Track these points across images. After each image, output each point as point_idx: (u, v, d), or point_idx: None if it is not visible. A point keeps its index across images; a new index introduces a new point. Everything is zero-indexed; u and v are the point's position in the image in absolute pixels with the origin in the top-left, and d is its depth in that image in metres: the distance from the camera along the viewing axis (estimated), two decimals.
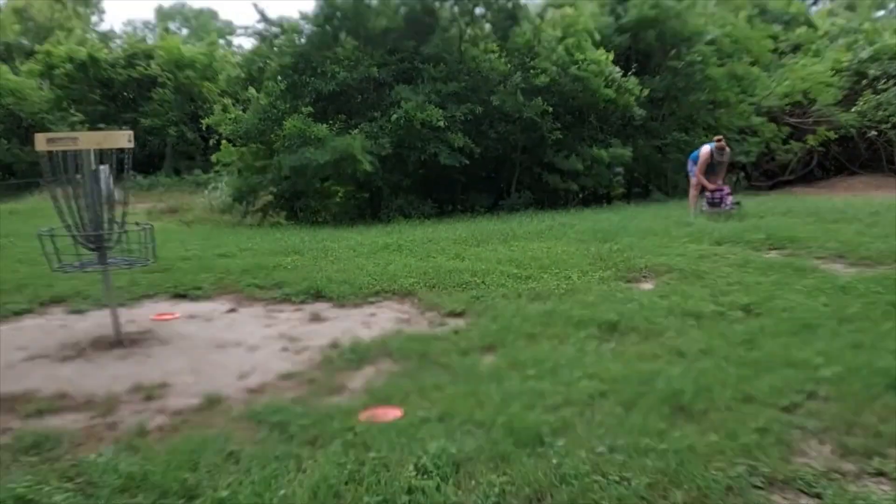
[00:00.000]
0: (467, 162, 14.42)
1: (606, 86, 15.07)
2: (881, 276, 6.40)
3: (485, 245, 9.20)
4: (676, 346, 4.64)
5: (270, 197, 15.71)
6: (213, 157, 16.96)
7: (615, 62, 15.63)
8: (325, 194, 16.16)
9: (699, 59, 16.57)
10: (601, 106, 15.48)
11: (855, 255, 7.47)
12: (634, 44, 17.02)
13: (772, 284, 6.27)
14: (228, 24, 54.47)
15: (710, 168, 11.62)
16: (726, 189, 11.60)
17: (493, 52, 15.77)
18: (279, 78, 14.32)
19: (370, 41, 14.71)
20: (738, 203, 11.42)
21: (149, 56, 25.89)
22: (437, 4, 14.95)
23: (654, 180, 17.63)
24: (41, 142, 4.86)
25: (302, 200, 15.44)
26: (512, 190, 15.87)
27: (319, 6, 14.30)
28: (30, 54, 27.45)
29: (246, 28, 30.17)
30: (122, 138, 5.03)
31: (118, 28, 46.62)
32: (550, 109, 14.56)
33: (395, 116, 13.62)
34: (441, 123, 13.66)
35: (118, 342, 5.38)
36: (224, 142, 16.00)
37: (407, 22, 14.87)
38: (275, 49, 14.66)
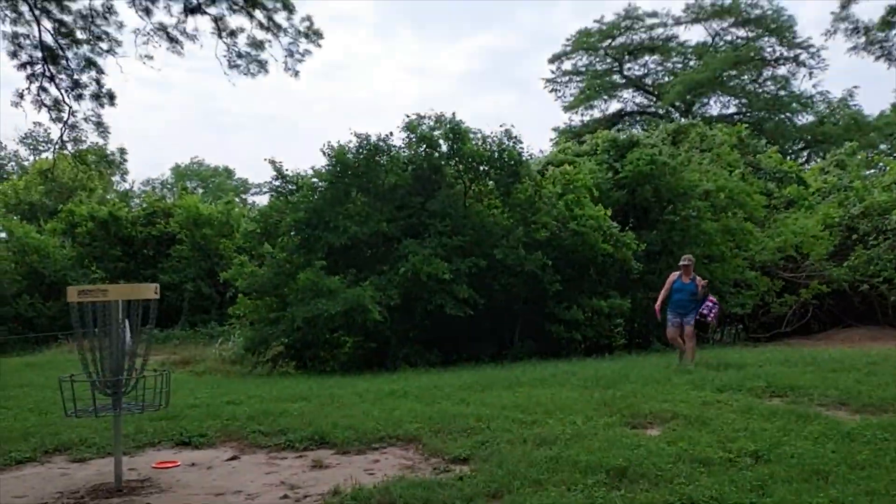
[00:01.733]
0: (472, 313, 14.71)
1: (604, 240, 15.65)
2: (887, 422, 6.38)
3: (489, 391, 9.21)
4: (687, 493, 4.60)
5: (281, 347, 15.92)
6: (230, 310, 17.34)
7: (614, 216, 16.33)
8: (335, 344, 16.37)
9: (694, 213, 17.28)
10: (600, 259, 15.98)
11: (857, 403, 7.48)
12: (632, 199, 17.84)
13: (778, 431, 6.25)
14: (244, 182, 57.27)
15: (678, 303, 10.82)
16: (711, 299, 10.81)
17: (496, 207, 16.57)
18: (293, 233, 15.02)
19: (380, 197, 15.54)
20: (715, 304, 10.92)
21: (168, 214, 27.05)
22: (442, 163, 15.94)
23: (653, 331, 17.78)
24: (72, 294, 5.14)
25: (312, 350, 15.61)
26: (515, 339, 16.04)
27: (332, 164, 15.29)
28: (53, 213, 28.68)
29: (261, 186, 31.73)
30: (149, 290, 5.31)
31: (137, 188, 48.93)
32: (550, 263, 15.06)
33: (402, 269, 14.11)
34: (447, 276, 14.11)
35: (117, 491, 5.35)
36: (240, 295, 16.45)
37: (415, 179, 15.80)
38: (290, 204, 15.48)
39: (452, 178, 16.21)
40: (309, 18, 23.73)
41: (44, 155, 34.68)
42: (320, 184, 15.66)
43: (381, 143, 15.45)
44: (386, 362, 14.96)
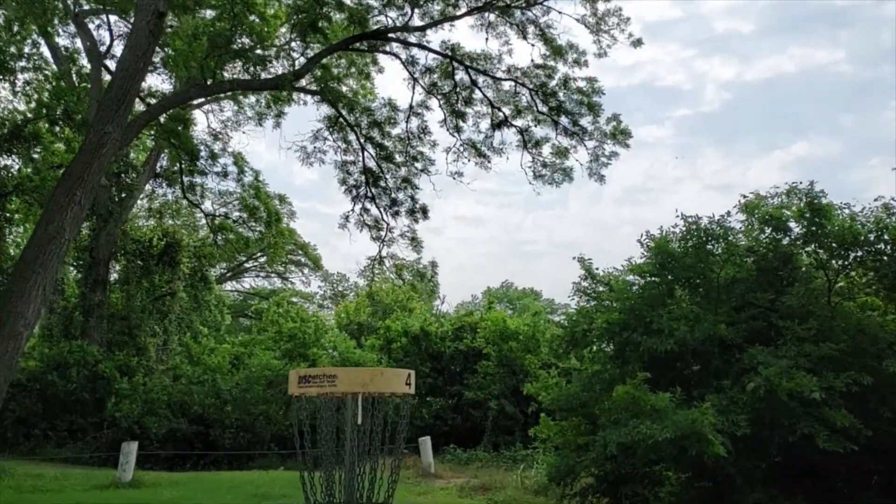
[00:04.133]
0: (854, 447, 10.73)
1: None
2: None
3: None
4: None
5: (591, 479, 13.52)
6: (531, 432, 15.47)
7: None
8: (656, 480, 13.44)
9: None
10: None
11: None
12: None
13: None
14: (550, 302, 56.98)
15: None
16: None
17: (874, 307, 12.50)
18: (604, 339, 12.84)
19: (711, 294, 12.63)
20: None
21: (474, 329, 26.89)
22: (795, 251, 12.55)
23: None
24: (293, 382, 3.47)
25: (628, 486, 12.96)
26: None
27: (651, 256, 12.96)
28: (373, 331, 30.63)
29: (567, 305, 30.33)
30: (398, 380, 3.44)
31: (452, 310, 51.44)
32: None
33: (751, 385, 10.83)
34: (816, 396, 10.48)
35: None
36: (542, 415, 14.61)
37: (758, 271, 12.61)
38: (600, 306, 13.39)
39: (811, 268, 12.66)
40: (615, 118, 22.43)
41: (377, 286, 39.21)
42: (637, 280, 13.33)
43: (713, 227, 12.64)
44: None
